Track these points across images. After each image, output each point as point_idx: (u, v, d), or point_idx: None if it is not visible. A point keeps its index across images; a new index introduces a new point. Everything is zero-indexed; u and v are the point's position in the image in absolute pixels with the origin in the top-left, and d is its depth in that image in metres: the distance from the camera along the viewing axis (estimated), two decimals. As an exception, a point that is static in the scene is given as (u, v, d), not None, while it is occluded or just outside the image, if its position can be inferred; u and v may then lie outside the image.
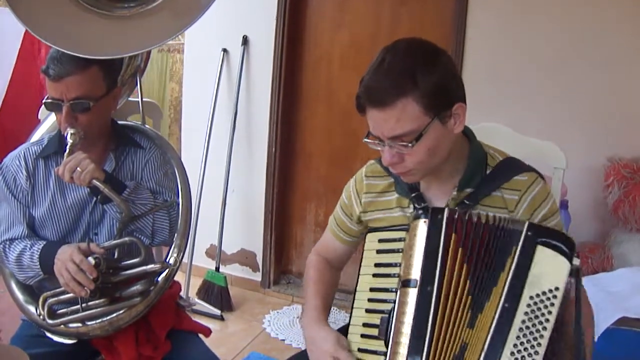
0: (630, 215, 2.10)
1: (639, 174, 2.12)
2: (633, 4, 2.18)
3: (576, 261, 0.98)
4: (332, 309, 1.31)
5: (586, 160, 2.22)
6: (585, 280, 1.84)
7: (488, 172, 1.17)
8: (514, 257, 1.00)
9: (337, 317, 2.70)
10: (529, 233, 1.01)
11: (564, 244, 0.99)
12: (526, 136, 1.54)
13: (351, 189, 1.31)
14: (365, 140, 1.12)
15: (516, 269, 0.99)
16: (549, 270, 0.98)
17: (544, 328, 0.95)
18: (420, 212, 1.08)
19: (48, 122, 1.62)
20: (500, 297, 0.98)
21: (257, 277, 3.04)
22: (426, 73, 1.03)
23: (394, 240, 1.14)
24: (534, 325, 0.95)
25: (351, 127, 2.78)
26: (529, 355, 0.94)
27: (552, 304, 0.95)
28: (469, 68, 2.44)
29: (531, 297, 0.97)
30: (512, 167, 1.17)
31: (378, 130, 1.08)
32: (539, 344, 0.94)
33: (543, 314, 0.95)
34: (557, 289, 0.96)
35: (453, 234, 1.03)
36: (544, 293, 0.96)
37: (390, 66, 1.04)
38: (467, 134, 1.19)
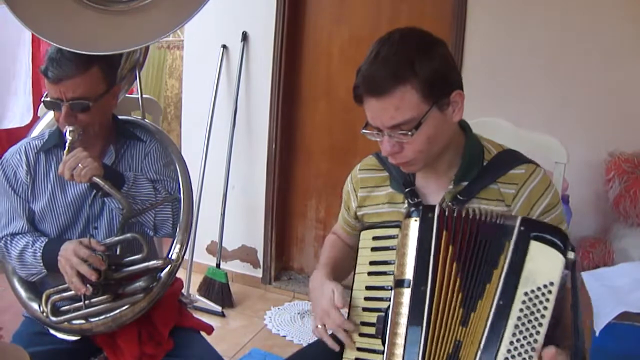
0: (631, 209, 2.10)
1: (640, 168, 2.12)
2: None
3: (571, 254, 0.97)
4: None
5: (587, 154, 2.20)
6: (587, 275, 1.85)
7: (484, 164, 1.15)
8: (507, 253, 0.99)
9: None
10: (522, 228, 0.99)
11: (558, 238, 0.98)
12: (527, 131, 1.54)
13: (348, 185, 1.31)
14: (364, 131, 1.11)
15: (510, 265, 0.98)
16: (544, 265, 0.97)
17: (540, 324, 0.94)
18: (412, 209, 1.07)
19: (48, 117, 1.61)
20: (495, 293, 0.97)
21: (258, 273, 3.04)
22: (424, 60, 1.02)
23: (388, 237, 1.12)
24: (529, 321, 0.94)
25: (351, 122, 2.77)
26: (526, 352, 0.93)
27: (548, 299, 0.94)
28: (469, 62, 2.43)
29: (526, 293, 0.96)
30: (508, 160, 1.16)
31: (377, 120, 1.07)
32: (536, 340, 0.93)
33: (539, 310, 0.94)
34: (552, 283, 0.95)
35: (444, 232, 1.02)
36: (538, 288, 0.95)
37: (388, 55, 1.04)
38: (464, 126, 1.18)
